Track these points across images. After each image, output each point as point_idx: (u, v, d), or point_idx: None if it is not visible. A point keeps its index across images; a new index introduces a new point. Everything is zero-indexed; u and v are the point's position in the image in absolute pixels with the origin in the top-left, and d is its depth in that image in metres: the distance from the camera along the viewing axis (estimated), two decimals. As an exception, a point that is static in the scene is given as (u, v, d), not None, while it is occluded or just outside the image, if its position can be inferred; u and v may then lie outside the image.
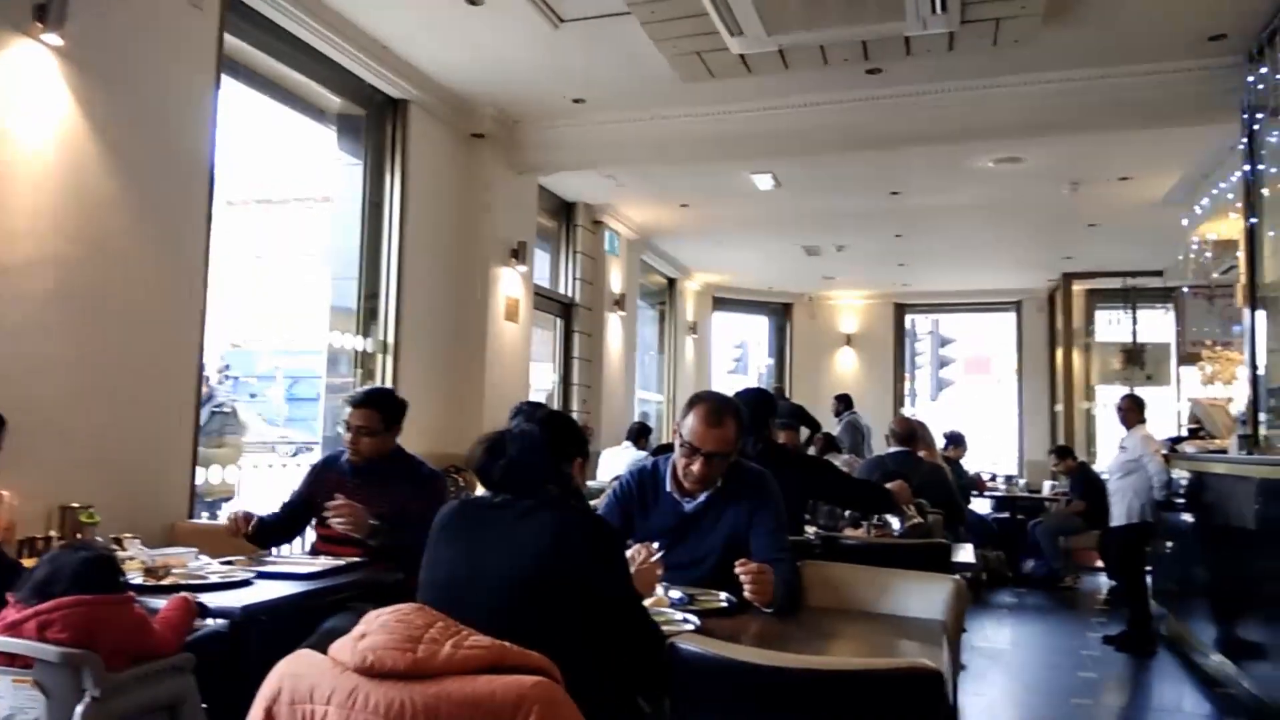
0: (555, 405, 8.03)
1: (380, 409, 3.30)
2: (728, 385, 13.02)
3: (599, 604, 1.74)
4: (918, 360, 13.75)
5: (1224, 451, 5.19)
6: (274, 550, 3.56)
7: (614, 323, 8.86)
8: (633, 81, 5.81)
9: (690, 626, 2.11)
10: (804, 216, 8.78)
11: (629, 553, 2.44)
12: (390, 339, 5.79)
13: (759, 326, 13.49)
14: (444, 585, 1.80)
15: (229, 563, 2.99)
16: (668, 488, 2.65)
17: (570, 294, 8.36)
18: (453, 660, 1.35)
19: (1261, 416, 4.85)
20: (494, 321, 6.54)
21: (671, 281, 11.28)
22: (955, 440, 9.00)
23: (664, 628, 1.99)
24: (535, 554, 1.74)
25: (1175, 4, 4.66)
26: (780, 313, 13.20)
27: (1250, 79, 4.95)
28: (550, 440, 1.92)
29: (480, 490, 1.96)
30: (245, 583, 2.71)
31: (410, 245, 5.88)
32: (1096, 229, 8.76)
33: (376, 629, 1.43)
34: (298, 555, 3.71)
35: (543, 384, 8.20)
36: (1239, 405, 5.85)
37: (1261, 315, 5.06)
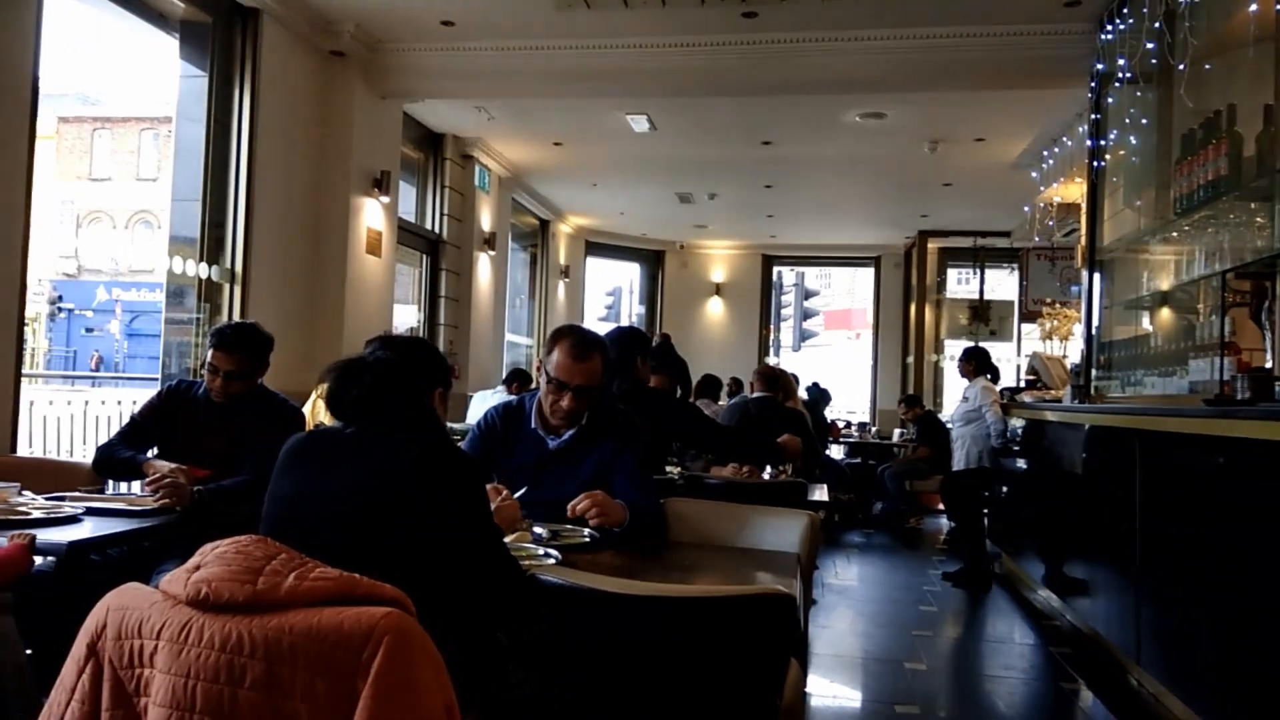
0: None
1: (250, 352, 3.08)
2: (600, 331, 12.99)
3: (454, 536, 1.68)
4: (783, 312, 14.11)
5: (1058, 401, 5.57)
6: (110, 485, 3.32)
7: (484, 262, 8.66)
8: (507, 6, 5.60)
9: (552, 560, 2.09)
10: (678, 162, 8.78)
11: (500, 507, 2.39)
12: (239, 269, 5.45)
13: (632, 273, 13.50)
14: (287, 518, 1.69)
15: (57, 498, 2.76)
16: (533, 424, 2.61)
17: (437, 230, 8.09)
18: (296, 592, 1.27)
19: (1094, 371, 5.22)
20: (354, 254, 6.26)
21: (544, 223, 11.11)
22: (818, 391, 9.38)
23: (525, 562, 1.96)
24: (387, 485, 1.65)
25: (1037, -32, 4.84)
26: (653, 260, 13.26)
27: (1099, 46, 5.21)
28: (409, 368, 1.81)
29: (326, 418, 1.84)
30: (74, 519, 2.51)
31: (261, 169, 5.52)
32: (952, 188, 9.15)
33: (213, 560, 1.33)
34: (136, 490, 3.47)
35: (407, 322, 7.95)
36: (1074, 359, 6.28)
37: (1098, 277, 5.40)
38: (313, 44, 5.97)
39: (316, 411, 3.72)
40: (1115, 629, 3.96)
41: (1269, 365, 3.39)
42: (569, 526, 2.40)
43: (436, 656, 1.25)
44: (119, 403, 6.44)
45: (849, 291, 13.73)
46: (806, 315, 15.06)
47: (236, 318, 5.30)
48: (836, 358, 13.45)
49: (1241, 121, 3.68)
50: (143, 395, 3.97)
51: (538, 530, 2.34)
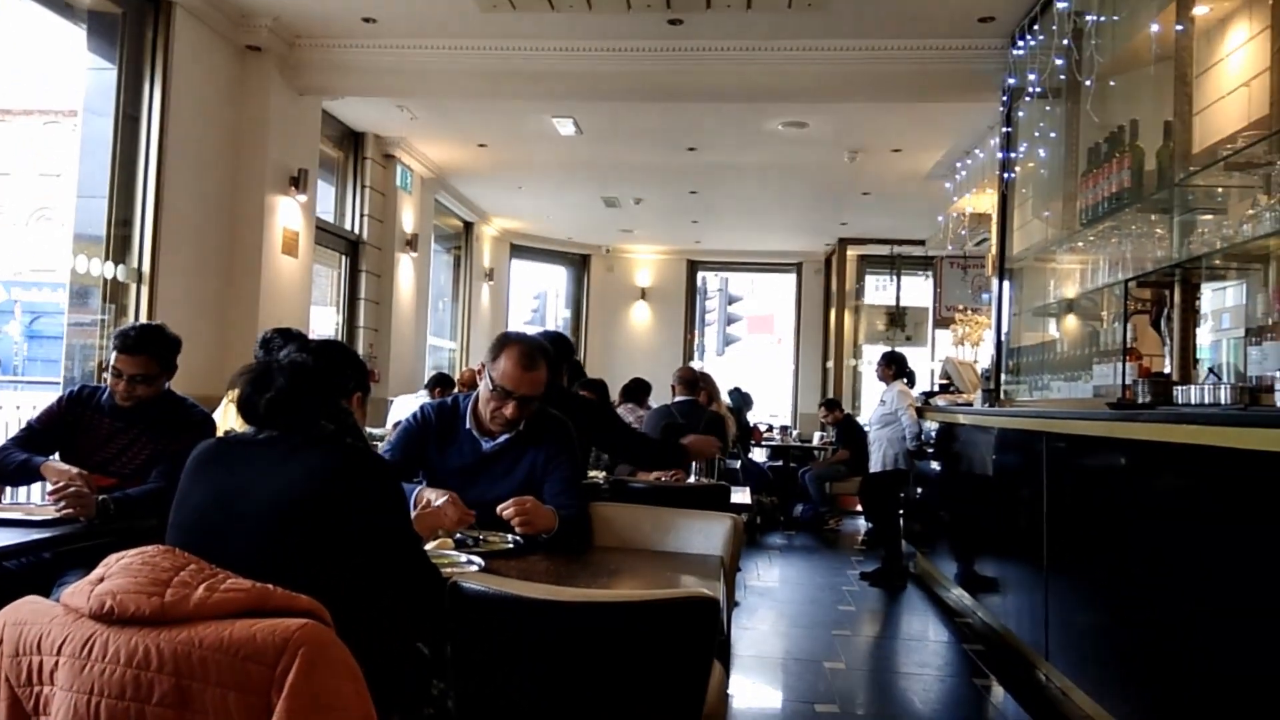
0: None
1: (157, 354, 2.95)
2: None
3: (372, 546, 1.64)
4: (707, 317, 14.22)
5: (970, 405, 5.74)
6: (7, 493, 3.15)
7: (405, 264, 8.51)
8: (430, 4, 5.53)
9: (475, 567, 2.07)
10: (604, 166, 8.79)
11: (429, 495, 2.35)
12: (146, 268, 5.25)
13: (557, 277, 13.45)
14: (196, 528, 1.62)
15: (-57, 509, 2.61)
16: (467, 425, 2.58)
17: (357, 231, 7.93)
18: (206, 604, 1.22)
19: (1004, 376, 5.40)
20: (269, 254, 6.09)
21: (468, 225, 10.99)
22: (741, 396, 9.49)
23: (447, 569, 1.93)
24: (302, 493, 1.60)
25: (953, -16, 4.99)
26: (579, 264, 13.24)
27: (1011, 61, 5.41)
28: (324, 371, 1.76)
29: (238, 424, 1.78)
30: (-38, 531, 2.38)
31: (172, 165, 5.32)
32: (870, 197, 9.37)
33: (118, 571, 1.28)
34: (36, 499, 3.30)
35: (325, 325, 7.77)
36: (985, 364, 6.49)
37: (1008, 285, 5.60)
38: (228, 38, 5.79)
39: (227, 417, 3.60)
40: (1025, 626, 4.10)
41: (1168, 370, 3.56)
42: (493, 533, 2.38)
43: (355, 668, 1.23)
44: (17, 407, 6.13)
45: (772, 297, 13.92)
46: (730, 320, 15.22)
47: (143, 319, 5.10)
48: (759, 362, 13.61)
49: (1143, 136, 3.86)
50: (43, 399, 3.79)
51: (461, 536, 2.32)
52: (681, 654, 1.67)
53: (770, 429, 10.80)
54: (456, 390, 7.08)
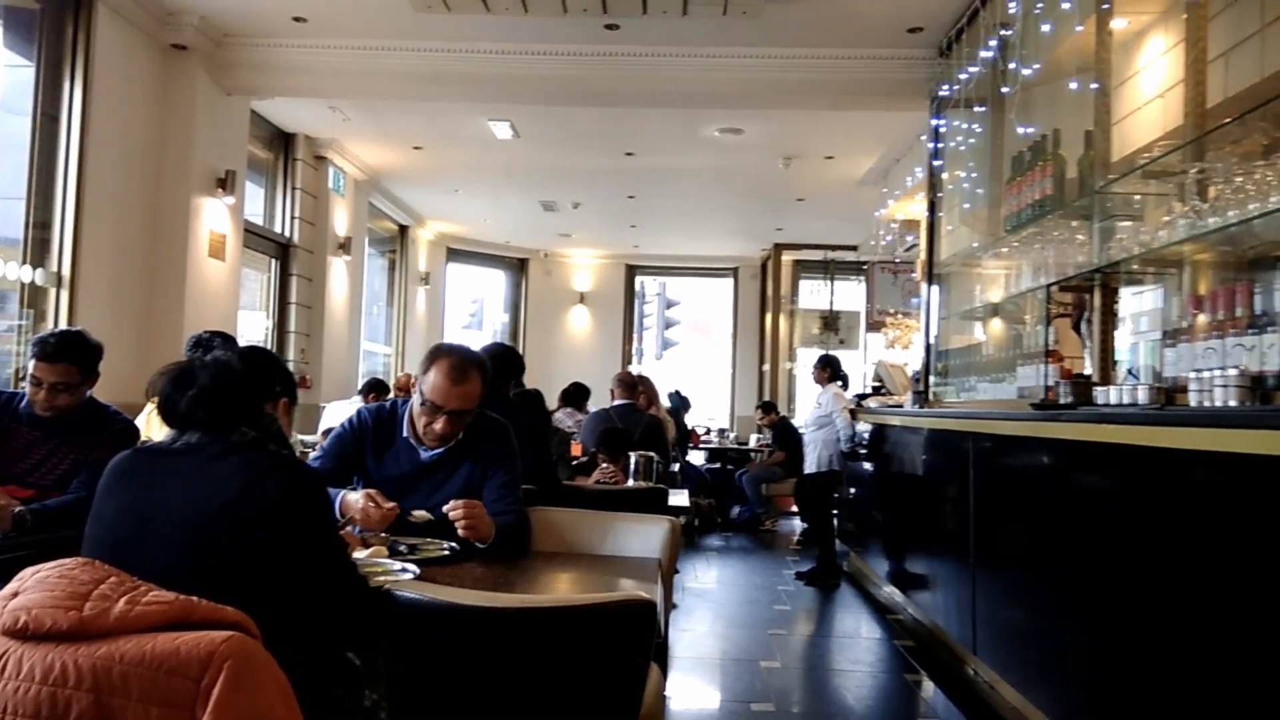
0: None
1: (79, 361, 2.83)
2: (463, 340, 12.79)
3: (298, 555, 1.60)
4: (646, 321, 14.26)
5: (901, 406, 5.87)
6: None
7: (338, 267, 8.37)
8: (363, 4, 5.45)
9: (409, 575, 2.04)
10: (542, 170, 8.76)
11: (350, 498, 2.31)
12: (66, 272, 5.07)
13: (495, 281, 13.35)
14: (112, 542, 1.56)
15: None
16: (404, 433, 2.53)
17: (288, 234, 7.77)
18: (127, 618, 1.19)
19: (932, 378, 5.53)
20: (195, 257, 5.93)
21: (403, 229, 10.84)
22: (680, 399, 9.55)
23: (381, 578, 1.90)
24: (224, 502, 1.55)
25: (883, -5, 5.10)
26: (517, 268, 13.16)
27: (939, 71, 5.55)
28: (250, 374, 1.71)
29: (160, 432, 1.72)
30: None
31: (94, 166, 5.15)
32: (805, 203, 9.51)
33: (33, 585, 1.23)
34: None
35: (254, 330, 7.59)
36: (915, 367, 6.64)
37: (936, 290, 5.74)
38: (152, 36, 5.63)
39: (151, 425, 3.49)
40: (953, 622, 4.20)
41: (1088, 372, 3.69)
42: (429, 540, 2.35)
43: (283, 681, 1.20)
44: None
45: (709, 301, 14.03)
46: (668, 324, 15.29)
47: (63, 325, 4.92)
48: (697, 366, 13.70)
49: (1065, 145, 3.99)
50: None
51: (396, 545, 2.29)
52: (618, 657, 1.68)
53: (708, 432, 10.89)
54: (393, 395, 6.98)
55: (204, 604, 1.23)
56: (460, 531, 2.31)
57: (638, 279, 13.54)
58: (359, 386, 7.75)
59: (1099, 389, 3.10)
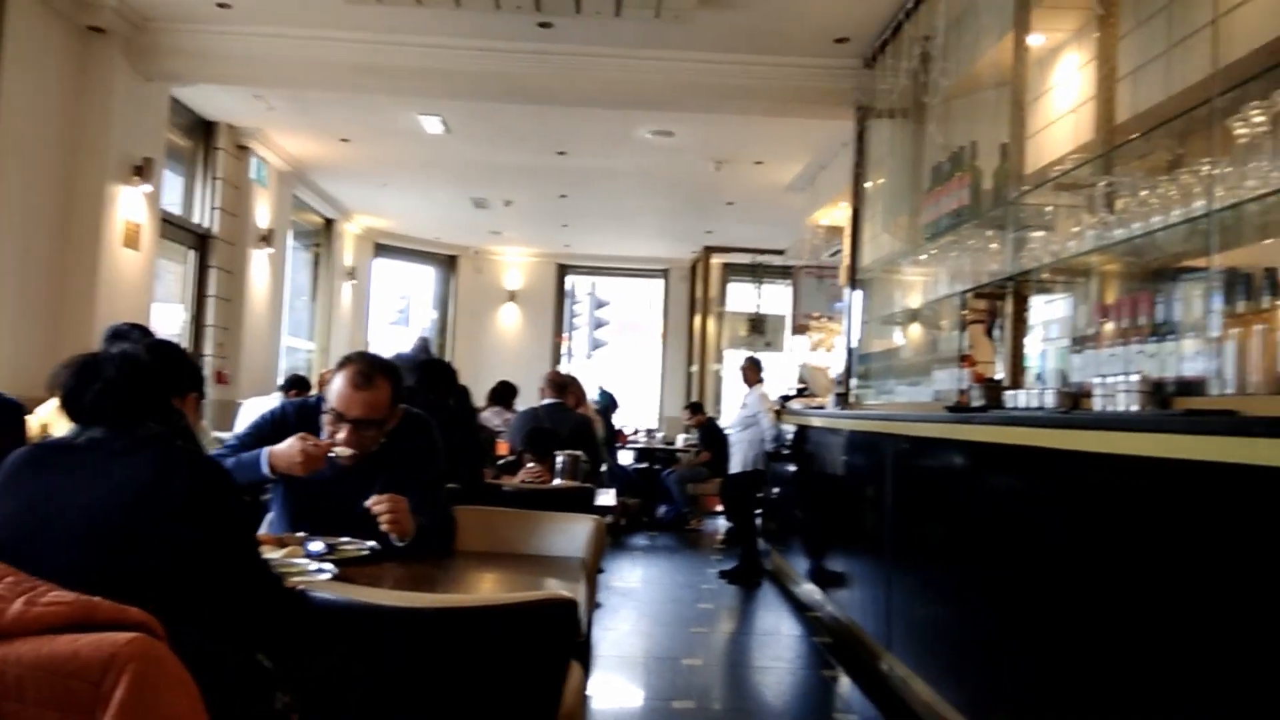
0: (186, 348, 7.23)
1: None
2: (389, 336, 12.61)
3: (207, 555, 1.56)
4: (576, 321, 14.23)
5: (823, 408, 5.99)
6: None
7: (260, 260, 8.15)
8: (290, -7, 5.33)
9: (326, 575, 2.01)
10: (473, 166, 8.68)
11: (295, 443, 2.26)
12: (-33, 258, 4.84)
13: (424, 277, 13.17)
14: (13, 538, 1.50)
15: None
16: (326, 434, 2.46)
17: (207, 224, 7.54)
18: (25, 619, 1.15)
19: (853, 381, 5.65)
20: (109, 247, 5.71)
21: (329, 222, 10.62)
22: (608, 398, 9.57)
23: (296, 578, 1.87)
24: (127, 499, 1.50)
25: (812, 4, 5.19)
26: (446, 265, 13.01)
27: (864, 81, 5.67)
28: (157, 367, 1.66)
29: (63, 427, 1.65)
30: None
31: (1, 149, 4.93)
32: (734, 207, 9.62)
33: (-79, 588, 1.18)
34: None
35: (170, 323, 7.35)
36: (837, 370, 6.78)
37: (859, 294, 5.87)
38: (68, 17, 5.40)
39: (51, 421, 3.36)
40: (870, 619, 4.30)
41: (999, 376, 3.82)
42: (347, 540, 2.31)
43: (189, 683, 1.18)
44: None
45: (640, 302, 14.09)
46: (599, 324, 15.30)
47: (-39, 314, 4.70)
48: (627, 366, 13.74)
49: (981, 157, 4.12)
50: None
51: (314, 546, 2.24)
52: (539, 657, 1.68)
53: (636, 432, 10.93)
54: (315, 392, 6.83)
55: (106, 604, 1.20)
56: (382, 526, 2.26)
57: (569, 278, 13.52)
58: (280, 383, 7.56)
59: (1009, 393, 3.22)
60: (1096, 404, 2.59)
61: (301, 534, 2.30)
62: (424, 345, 9.25)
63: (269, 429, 2.48)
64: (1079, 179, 3.45)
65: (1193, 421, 2.06)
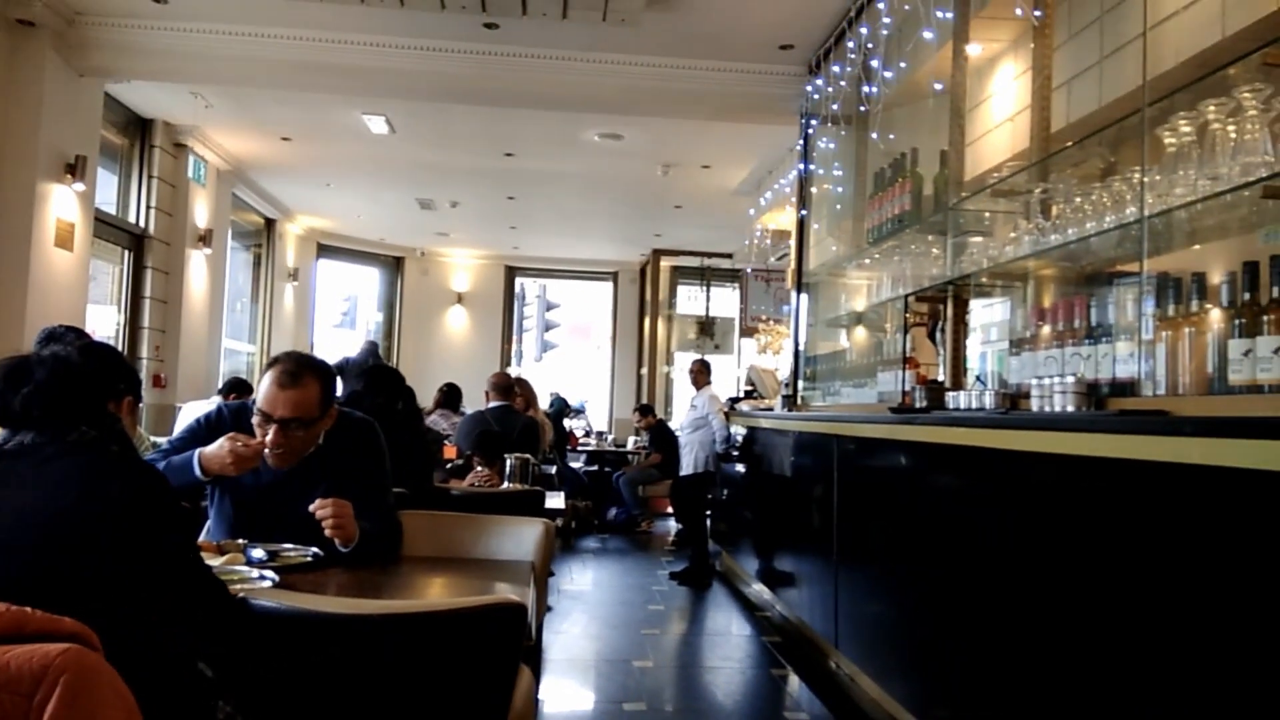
0: (121, 351, 7.03)
1: None
2: (334, 338, 12.43)
3: (145, 563, 1.52)
4: (525, 323, 14.18)
5: (771, 410, 6.04)
6: None
7: (198, 261, 7.97)
8: (230, -10, 5.23)
9: (268, 583, 1.97)
10: (418, 167, 8.59)
11: (224, 444, 2.21)
12: (-113, 258, 4.65)
13: (369, 279, 12.99)
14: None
15: None
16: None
17: (143, 224, 7.35)
18: (-49, 632, 1.11)
19: (800, 382, 5.72)
20: (40, 247, 5.54)
21: (270, 222, 10.41)
22: (561, 402, 9.56)
23: (237, 586, 1.83)
24: (63, 506, 1.45)
25: (758, 10, 5.24)
26: (392, 266, 12.85)
27: (808, 88, 5.75)
28: (91, 370, 1.60)
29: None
30: None
31: (-79, 144, 4.75)
32: (682, 210, 9.67)
33: None
34: None
35: (105, 325, 7.14)
36: (785, 372, 6.85)
37: (805, 297, 5.94)
38: (-7, 8, 5.23)
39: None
40: (818, 617, 4.36)
41: (941, 378, 3.90)
42: (289, 546, 2.27)
43: (126, 695, 1.15)
44: None
45: (589, 304, 14.08)
46: (548, 326, 15.26)
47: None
48: (577, 368, 13.73)
49: (922, 163, 4.21)
50: None
51: (255, 553, 2.20)
52: (487, 662, 1.67)
53: (586, 434, 10.92)
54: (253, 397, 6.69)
55: (38, 615, 1.16)
56: (326, 531, 2.22)
57: (518, 280, 13.46)
58: (219, 386, 7.40)
59: (950, 394, 3.29)
60: (1034, 405, 2.65)
61: (242, 541, 2.26)
62: (372, 349, 9.17)
63: (204, 432, 2.41)
64: (1016, 186, 3.54)
65: (1125, 421, 2.13)
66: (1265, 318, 1.93)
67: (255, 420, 2.30)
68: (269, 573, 2.04)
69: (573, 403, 10.53)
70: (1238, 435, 1.68)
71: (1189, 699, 1.80)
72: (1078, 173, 3.23)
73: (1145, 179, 2.55)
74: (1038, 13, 3.57)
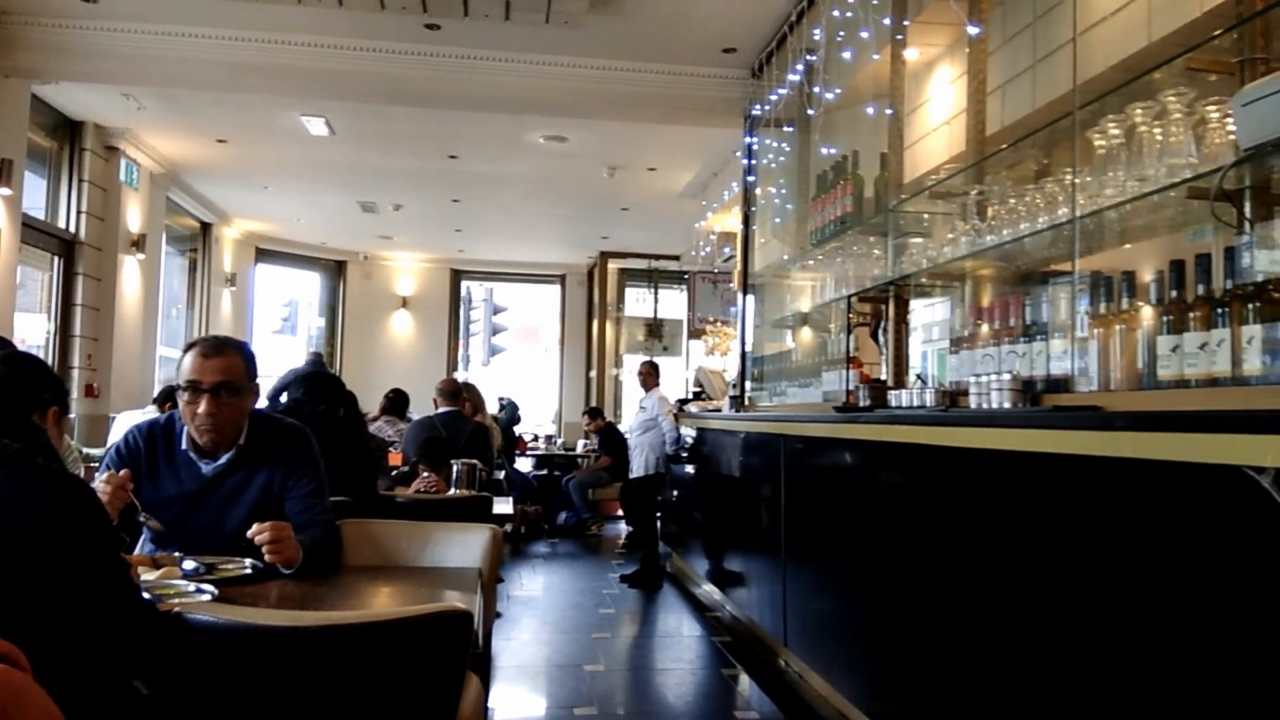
0: (51, 360, 6.81)
1: None
2: (273, 345, 12.19)
3: (74, 579, 1.47)
4: (473, 327, 14.06)
5: (719, 411, 6.08)
6: None
7: (131, 267, 7.75)
8: (162, -11, 5.10)
9: (206, 597, 1.92)
10: (361, 170, 8.46)
11: (101, 486, 2.14)
12: None
13: (310, 283, 12.76)
14: None
15: None
16: (184, 446, 2.33)
17: (73, 229, 7.12)
18: None
19: (748, 383, 5.76)
20: (-37, 254, 5.34)
21: (206, 226, 10.17)
22: (508, 407, 9.50)
23: (173, 600, 1.78)
24: None
25: (701, 13, 5.28)
26: (334, 270, 12.65)
27: (752, 91, 5.80)
28: (14, 381, 1.55)
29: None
30: None
31: None
32: (629, 213, 9.68)
33: None
34: None
35: (34, 334, 6.91)
36: (732, 373, 6.90)
37: (752, 299, 5.99)
38: (-94, 4, 5.03)
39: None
40: (767, 616, 4.39)
41: (884, 377, 3.96)
42: (227, 559, 2.21)
43: (57, 716, 1.10)
44: None
45: (537, 307, 14.02)
46: (495, 330, 15.15)
47: None
48: (526, 372, 13.66)
49: (863, 166, 4.27)
50: None
51: (190, 564, 2.14)
52: (432, 671, 1.65)
53: (535, 438, 10.86)
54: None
55: (-41, 637, 1.11)
56: (267, 557, 2.17)
57: (464, 283, 13.34)
58: (154, 395, 7.21)
59: (893, 393, 3.34)
60: (972, 402, 2.71)
61: (178, 554, 2.20)
62: (316, 360, 9.00)
63: (129, 459, 2.33)
64: (953, 188, 3.61)
65: (1059, 417, 2.18)
66: (1191, 315, 1.99)
67: (183, 398, 2.26)
68: (206, 586, 1.99)
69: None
70: (1167, 429, 1.73)
71: (1131, 684, 1.85)
72: (1012, 175, 3.31)
73: (1076, 180, 2.62)
74: (974, 29, 3.64)
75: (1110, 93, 2.55)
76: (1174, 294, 2.08)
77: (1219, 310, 1.92)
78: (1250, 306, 1.85)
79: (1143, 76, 2.45)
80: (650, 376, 6.98)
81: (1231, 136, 2.08)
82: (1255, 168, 2.04)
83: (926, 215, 3.91)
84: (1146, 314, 2.20)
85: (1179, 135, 2.32)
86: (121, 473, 2.15)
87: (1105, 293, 2.36)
